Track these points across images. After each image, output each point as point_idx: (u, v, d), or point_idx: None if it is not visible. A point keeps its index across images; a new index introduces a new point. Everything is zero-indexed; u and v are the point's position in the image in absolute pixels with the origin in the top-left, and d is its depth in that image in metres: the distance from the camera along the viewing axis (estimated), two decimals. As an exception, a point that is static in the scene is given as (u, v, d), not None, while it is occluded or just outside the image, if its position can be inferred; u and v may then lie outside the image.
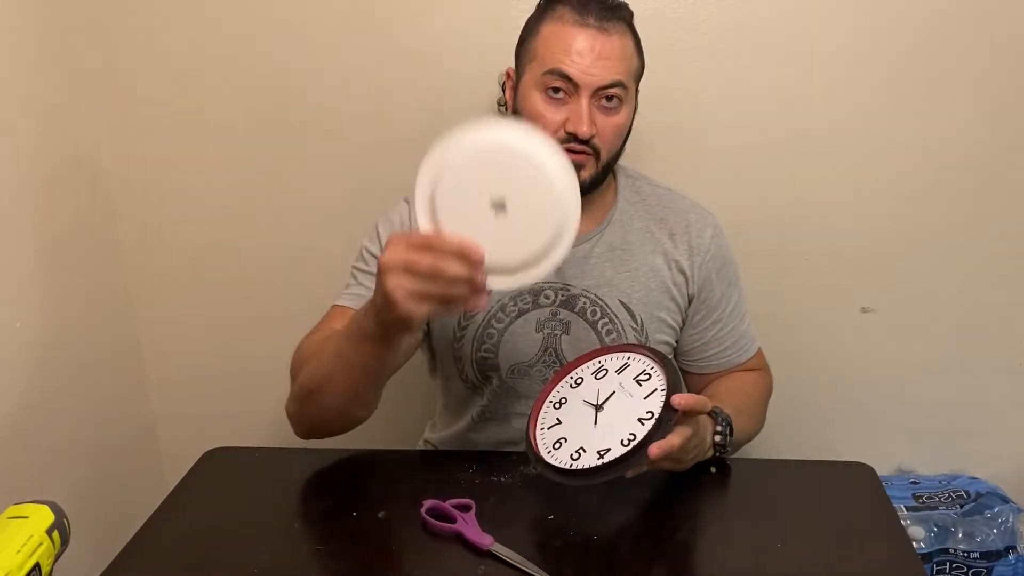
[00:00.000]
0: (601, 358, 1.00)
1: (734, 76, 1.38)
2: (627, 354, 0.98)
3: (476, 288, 0.81)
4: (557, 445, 0.92)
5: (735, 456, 1.08)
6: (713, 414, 1.00)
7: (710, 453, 1.00)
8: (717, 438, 1.00)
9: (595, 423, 0.92)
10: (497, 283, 0.83)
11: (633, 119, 1.09)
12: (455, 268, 0.79)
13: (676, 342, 1.18)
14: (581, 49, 1.00)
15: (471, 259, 0.79)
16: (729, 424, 1.01)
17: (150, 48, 1.43)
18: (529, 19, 1.08)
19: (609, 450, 0.88)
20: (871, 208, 1.44)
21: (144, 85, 1.45)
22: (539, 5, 1.07)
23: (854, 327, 1.50)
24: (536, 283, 0.90)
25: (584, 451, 0.89)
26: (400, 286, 0.80)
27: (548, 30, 1.03)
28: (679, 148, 1.41)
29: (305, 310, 1.24)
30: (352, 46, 1.40)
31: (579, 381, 0.98)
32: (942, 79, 1.36)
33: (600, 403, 0.94)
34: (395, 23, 1.39)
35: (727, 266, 1.16)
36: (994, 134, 1.39)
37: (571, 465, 0.89)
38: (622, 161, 1.16)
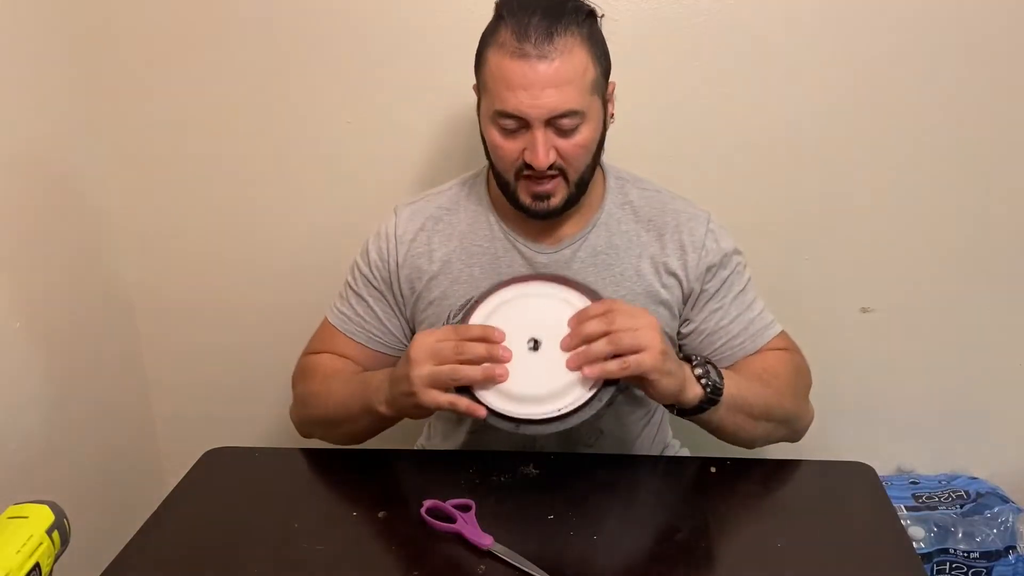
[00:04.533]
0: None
1: (733, 76, 1.38)
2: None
3: (496, 358, 0.90)
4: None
5: (734, 456, 1.07)
6: (687, 359, 0.99)
7: (697, 390, 0.96)
8: (698, 371, 0.97)
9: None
10: (496, 401, 0.91)
11: (605, 127, 1.05)
12: (475, 348, 0.90)
13: (676, 346, 1.16)
14: (524, 83, 0.96)
15: (492, 338, 0.91)
16: (710, 363, 0.99)
17: (148, 55, 1.43)
18: (483, 34, 1.03)
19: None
20: (871, 208, 1.44)
21: (143, 84, 1.45)
22: (492, 18, 1.02)
23: (854, 327, 1.50)
24: (526, 426, 0.93)
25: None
26: (421, 375, 0.91)
27: (493, 61, 0.99)
28: (678, 149, 1.41)
29: (304, 312, 1.24)
30: (351, 45, 1.40)
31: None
32: (943, 79, 1.36)
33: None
34: (395, 21, 1.38)
35: (727, 257, 1.12)
36: (995, 134, 1.39)
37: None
38: (614, 162, 1.16)
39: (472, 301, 0.98)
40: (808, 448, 1.51)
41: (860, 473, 1.04)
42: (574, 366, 0.90)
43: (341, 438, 1.11)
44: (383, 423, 1.05)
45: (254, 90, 1.44)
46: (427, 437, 1.28)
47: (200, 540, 0.95)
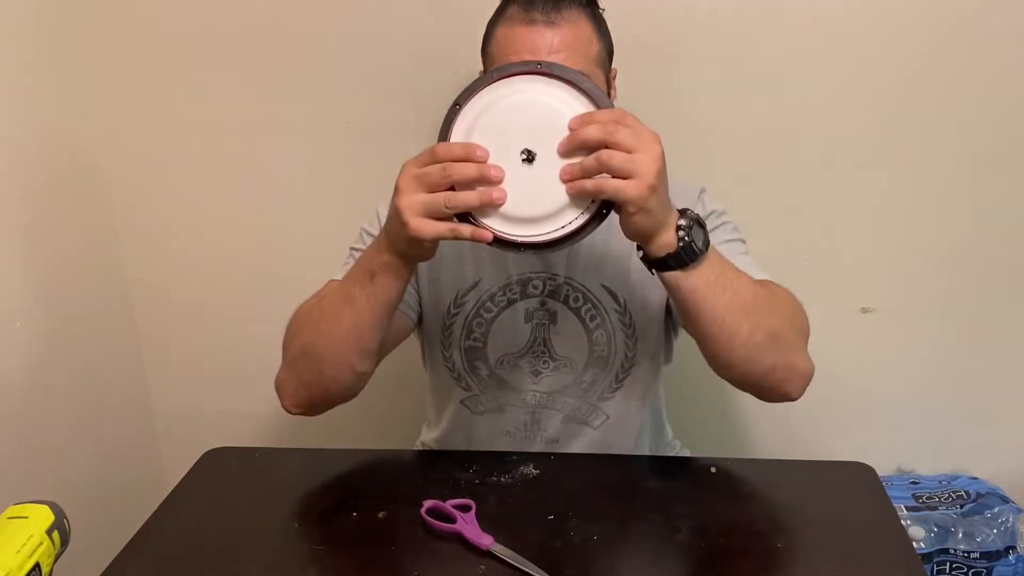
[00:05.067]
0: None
1: (733, 76, 1.38)
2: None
3: (488, 180, 0.82)
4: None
5: (735, 456, 1.07)
6: (681, 211, 0.89)
7: (669, 240, 0.87)
8: (682, 221, 0.87)
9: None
10: (495, 225, 0.85)
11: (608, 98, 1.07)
12: (464, 169, 0.82)
13: (670, 313, 1.13)
14: (531, 47, 0.97)
15: (476, 157, 0.82)
16: (700, 224, 0.89)
17: (149, 46, 1.43)
18: (488, 23, 1.06)
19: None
20: (871, 208, 1.44)
21: (143, 83, 1.45)
22: (499, 5, 1.05)
23: (854, 327, 1.50)
24: (529, 249, 0.87)
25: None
26: (411, 204, 0.84)
27: (500, 33, 1.02)
28: (677, 148, 1.40)
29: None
30: (350, 44, 1.40)
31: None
32: (943, 79, 1.36)
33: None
34: (394, 21, 1.39)
35: (715, 214, 1.09)
36: (995, 133, 1.39)
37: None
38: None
39: (452, 105, 0.87)
40: (808, 448, 1.51)
41: (860, 473, 1.04)
42: (567, 178, 0.83)
43: (336, 352, 0.99)
44: (385, 284, 0.94)
45: (255, 91, 1.44)
46: (427, 430, 1.28)
47: (200, 540, 0.95)
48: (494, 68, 0.90)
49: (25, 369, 1.30)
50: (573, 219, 0.84)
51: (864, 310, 1.50)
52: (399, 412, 1.39)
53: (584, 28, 1.01)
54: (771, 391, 0.98)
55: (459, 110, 0.87)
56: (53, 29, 1.36)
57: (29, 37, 1.31)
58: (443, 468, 1.05)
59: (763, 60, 1.37)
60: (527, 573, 0.85)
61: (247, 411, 1.60)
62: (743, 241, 1.11)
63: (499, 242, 0.85)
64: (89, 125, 1.45)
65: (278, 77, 1.43)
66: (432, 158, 0.84)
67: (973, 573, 1.39)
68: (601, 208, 0.85)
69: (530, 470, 1.04)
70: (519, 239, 0.85)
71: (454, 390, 1.18)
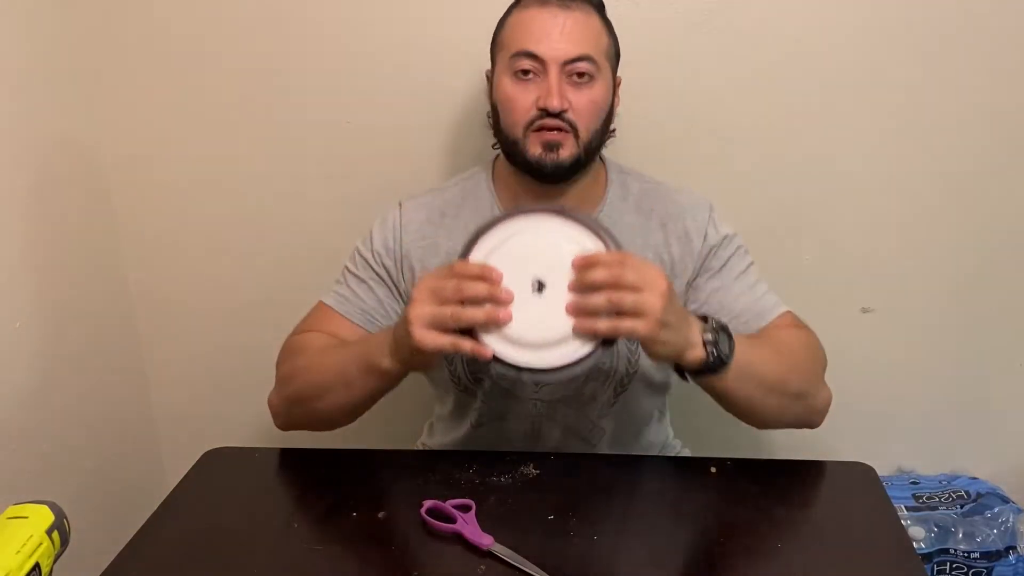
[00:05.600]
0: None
1: (733, 77, 1.38)
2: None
3: (498, 300, 0.86)
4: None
5: (735, 456, 1.07)
6: (703, 318, 0.94)
7: (699, 354, 0.92)
8: (708, 335, 0.92)
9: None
10: (498, 346, 0.88)
11: (614, 103, 1.08)
12: (476, 287, 0.86)
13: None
14: (544, 27, 1.01)
15: (491, 278, 0.86)
16: (723, 329, 0.94)
17: (149, 46, 1.43)
18: (500, 19, 1.09)
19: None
20: (871, 208, 1.44)
21: (144, 83, 1.45)
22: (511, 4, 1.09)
23: (854, 327, 1.50)
24: (529, 374, 0.94)
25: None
26: (420, 315, 0.88)
27: (514, 19, 1.05)
28: (677, 149, 1.41)
29: (305, 312, 1.24)
30: (350, 45, 1.40)
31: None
32: (943, 79, 1.36)
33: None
34: (394, 21, 1.39)
35: (728, 239, 1.12)
36: (996, 134, 1.39)
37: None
38: (614, 158, 1.16)
39: (475, 232, 0.92)
40: (808, 448, 1.51)
41: (860, 473, 1.04)
42: (574, 312, 0.86)
43: (329, 412, 1.06)
44: (383, 382, 1.00)
45: (256, 91, 1.44)
46: (428, 435, 1.28)
47: (200, 540, 0.94)
48: (517, 206, 0.95)
49: (26, 369, 1.30)
50: (576, 350, 0.88)
51: (864, 310, 1.50)
52: (399, 412, 1.39)
53: (594, 20, 1.05)
54: (797, 428, 1.09)
55: (480, 237, 0.91)
56: (54, 29, 1.36)
57: (29, 37, 1.31)
58: (443, 468, 1.05)
59: (764, 61, 1.37)
60: (527, 573, 0.85)
61: (247, 411, 1.60)
62: (753, 263, 1.14)
63: (499, 361, 0.88)
64: (90, 126, 1.45)
65: (278, 77, 1.43)
66: (450, 273, 0.88)
67: (973, 573, 1.39)
68: (603, 342, 0.88)
69: (530, 470, 1.04)
70: (520, 364, 0.88)
71: (463, 404, 1.18)
